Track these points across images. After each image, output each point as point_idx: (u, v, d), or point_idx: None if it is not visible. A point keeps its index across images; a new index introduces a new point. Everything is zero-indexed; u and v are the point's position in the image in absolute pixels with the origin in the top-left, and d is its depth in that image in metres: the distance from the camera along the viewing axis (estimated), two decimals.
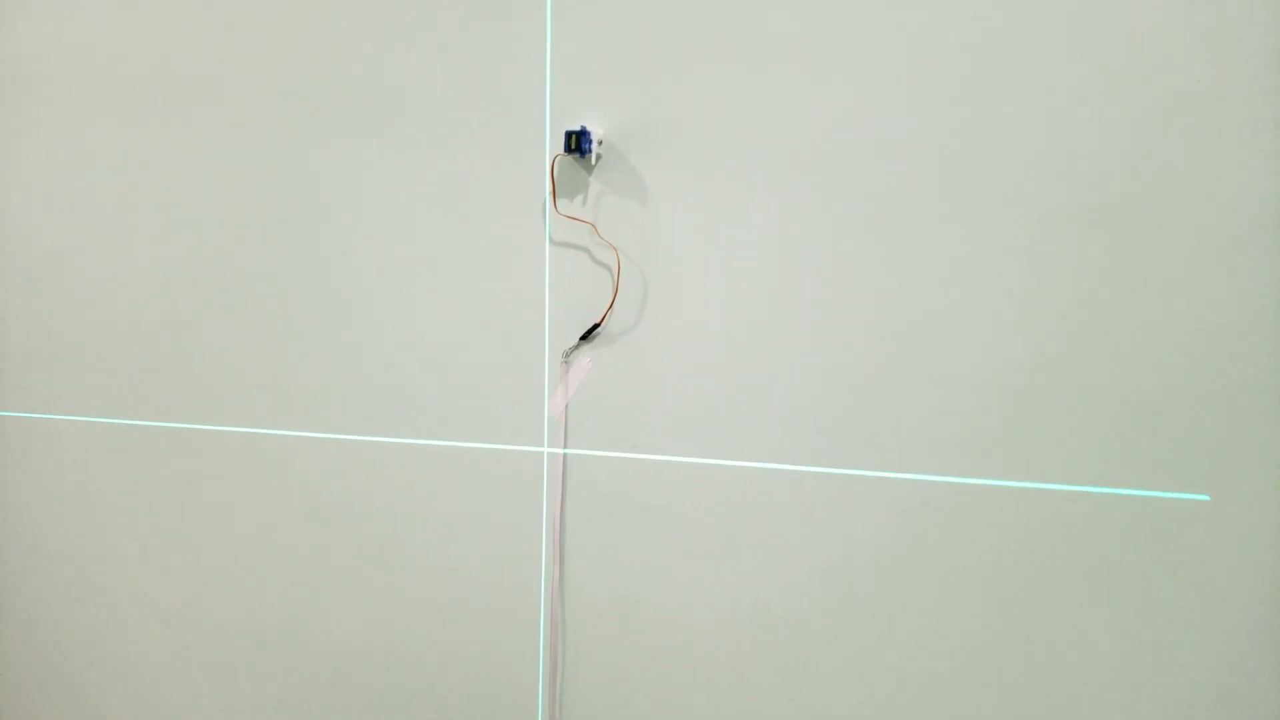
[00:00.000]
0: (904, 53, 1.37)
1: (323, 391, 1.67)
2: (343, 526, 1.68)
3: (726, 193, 1.46)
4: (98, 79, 1.75)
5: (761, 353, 1.46)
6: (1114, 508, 1.33)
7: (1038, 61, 1.32)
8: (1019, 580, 1.37)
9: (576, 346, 1.54)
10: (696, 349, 1.49)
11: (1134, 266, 1.31)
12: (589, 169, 1.52)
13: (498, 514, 1.60)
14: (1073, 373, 1.33)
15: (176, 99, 1.71)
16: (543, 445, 1.56)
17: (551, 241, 1.55)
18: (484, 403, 1.59)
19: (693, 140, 1.47)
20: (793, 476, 1.45)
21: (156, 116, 1.72)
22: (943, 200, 1.37)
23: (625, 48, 1.49)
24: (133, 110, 1.73)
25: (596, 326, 1.52)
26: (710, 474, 1.49)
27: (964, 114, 1.35)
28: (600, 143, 1.51)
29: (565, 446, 1.55)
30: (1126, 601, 1.33)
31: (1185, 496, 1.30)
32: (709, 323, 1.48)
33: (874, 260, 1.40)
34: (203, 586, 1.76)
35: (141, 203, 1.74)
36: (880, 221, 1.40)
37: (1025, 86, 1.33)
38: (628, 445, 1.52)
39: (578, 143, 1.48)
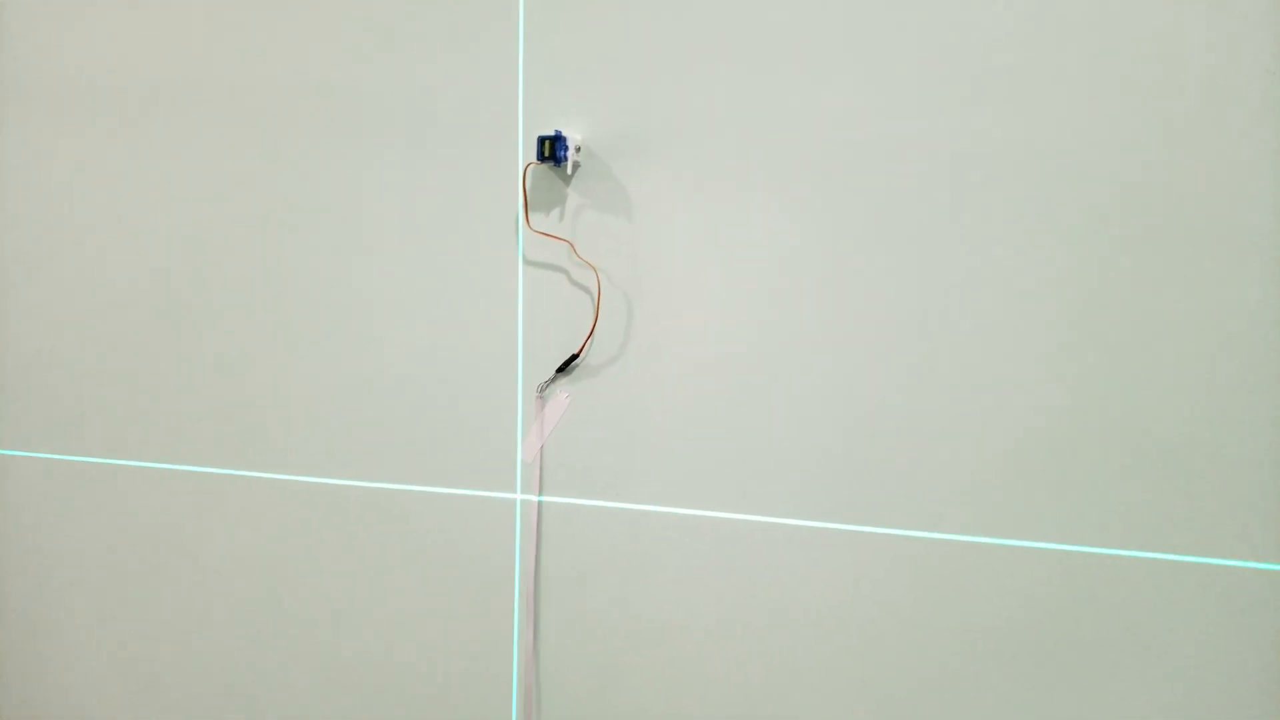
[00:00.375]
0: (913, 52, 1.28)
1: (273, 428, 1.58)
2: (292, 580, 1.59)
3: (719, 206, 1.37)
4: (56, 103, 1.67)
5: (760, 389, 1.36)
6: (1178, 577, 1.22)
7: (1051, 58, 1.23)
8: (1061, 658, 1.26)
9: (553, 380, 1.44)
10: (687, 383, 1.40)
11: (1194, 296, 1.19)
12: (565, 179, 1.43)
13: (464, 568, 1.50)
14: (1123, 415, 1.23)
15: (144, 114, 1.63)
16: (515, 492, 1.47)
17: (524, 261, 1.45)
18: (449, 443, 1.49)
19: (682, 147, 1.38)
20: (795, 532, 1.36)
21: (120, 133, 1.64)
22: (961, 219, 1.26)
23: (606, 45, 1.40)
24: (88, 129, 1.65)
25: (575, 358, 1.42)
26: (702, 526, 1.40)
27: (978, 115, 1.25)
28: (578, 149, 1.40)
29: (540, 493, 1.46)
30: (1193, 685, 1.22)
31: (1265, 567, 1.19)
32: (701, 353, 1.39)
33: (886, 281, 1.31)
34: (150, 638, 1.68)
35: (98, 230, 1.66)
36: (890, 237, 1.30)
37: (1040, 84, 1.24)
38: (610, 493, 1.43)
39: (552, 149, 1.38)
